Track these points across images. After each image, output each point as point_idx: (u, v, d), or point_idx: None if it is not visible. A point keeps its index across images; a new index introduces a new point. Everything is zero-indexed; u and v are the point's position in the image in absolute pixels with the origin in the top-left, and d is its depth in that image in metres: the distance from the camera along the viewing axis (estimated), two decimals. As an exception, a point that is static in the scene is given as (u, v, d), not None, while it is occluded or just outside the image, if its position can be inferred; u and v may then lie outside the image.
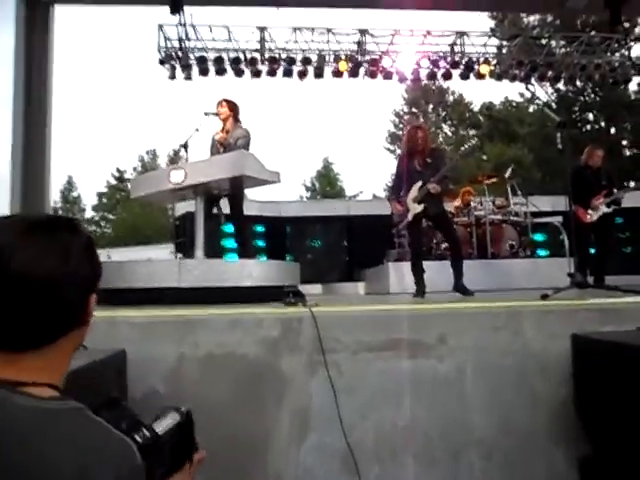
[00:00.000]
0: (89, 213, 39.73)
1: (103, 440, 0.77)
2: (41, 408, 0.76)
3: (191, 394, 2.28)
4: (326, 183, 36.89)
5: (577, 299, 3.05)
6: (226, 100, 5.09)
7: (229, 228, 8.84)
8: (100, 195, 39.10)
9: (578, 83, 17.34)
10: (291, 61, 10.07)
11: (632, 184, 5.95)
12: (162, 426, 1.01)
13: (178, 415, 1.05)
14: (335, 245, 9.92)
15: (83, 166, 60.96)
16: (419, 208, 4.68)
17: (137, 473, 0.77)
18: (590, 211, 5.77)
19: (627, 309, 2.43)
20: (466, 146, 7.08)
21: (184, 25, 9.68)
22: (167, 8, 8.92)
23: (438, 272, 5.19)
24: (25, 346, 0.81)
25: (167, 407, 1.08)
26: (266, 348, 2.32)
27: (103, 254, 19.43)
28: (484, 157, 26.27)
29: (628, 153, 23.89)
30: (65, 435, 0.74)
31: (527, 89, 18.94)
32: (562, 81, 11.78)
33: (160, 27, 9.85)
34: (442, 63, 10.38)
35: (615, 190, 5.87)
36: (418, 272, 4.82)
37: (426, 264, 5.04)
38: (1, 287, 0.77)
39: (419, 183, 4.69)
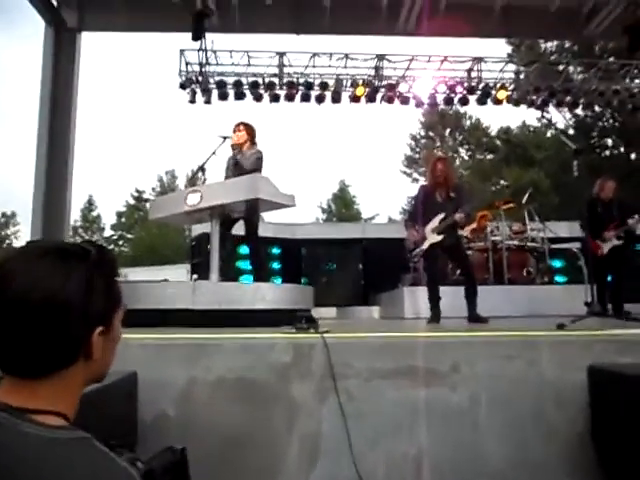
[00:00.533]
0: (108, 232, 40.32)
1: (108, 469, 0.76)
2: (47, 437, 0.76)
3: (201, 418, 2.28)
4: (342, 205, 36.99)
5: (594, 329, 2.99)
6: (244, 123, 5.15)
7: (245, 250, 8.90)
8: (119, 214, 39.69)
9: (597, 108, 17.27)
10: (309, 86, 10.22)
11: (636, 216, 5.90)
12: (157, 462, 1.01)
13: (171, 454, 1.05)
14: (350, 268, 9.88)
15: (103, 186, 62.00)
16: (438, 238, 4.74)
17: None
18: (601, 243, 5.79)
19: (646, 340, 2.38)
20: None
21: (205, 50, 9.92)
22: (189, 35, 9.18)
23: (454, 297, 5.13)
24: (28, 373, 0.81)
25: (162, 449, 1.08)
26: (277, 373, 2.31)
27: (120, 274, 19.64)
28: (502, 182, 26.17)
29: (648, 179, 23.58)
30: (70, 464, 0.74)
31: (543, 117, 18.90)
32: (580, 107, 11.77)
33: (181, 52, 10.09)
34: (459, 88, 10.44)
35: (629, 220, 5.84)
36: (434, 299, 4.82)
37: (442, 290, 5.01)
38: (0, 310, 0.78)
39: (441, 215, 4.74)
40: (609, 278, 6.01)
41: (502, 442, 2.32)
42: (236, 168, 4.94)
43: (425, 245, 4.81)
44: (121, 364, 2.24)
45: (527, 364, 2.37)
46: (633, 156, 23.77)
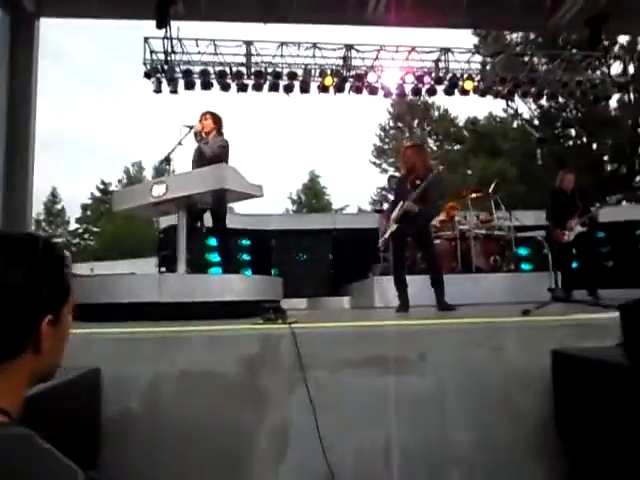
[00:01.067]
0: (73, 225, 39.36)
1: (50, 468, 0.71)
2: None
3: (168, 413, 2.23)
4: (312, 196, 36.98)
5: (558, 314, 3.05)
6: (210, 113, 5.06)
7: (213, 242, 8.79)
8: (84, 207, 38.78)
9: (560, 99, 17.61)
10: (277, 75, 10.11)
11: (608, 199, 6.31)
12: None
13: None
14: (321, 259, 9.88)
15: (68, 178, 60.40)
16: (393, 227, 4.81)
17: None
18: (566, 232, 6.10)
19: (607, 325, 2.43)
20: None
21: (170, 39, 9.69)
22: (153, 22, 8.96)
23: (423, 286, 5.17)
24: None
25: None
26: (244, 366, 2.28)
27: (86, 268, 19.20)
28: (469, 171, 26.55)
29: (609, 168, 24.27)
30: (8, 463, 0.69)
31: (507, 106, 19.25)
32: (545, 97, 11.99)
33: (146, 40, 9.84)
34: (427, 79, 10.49)
35: (592, 209, 6.20)
36: (401, 287, 4.83)
37: (410, 278, 5.04)
38: None
39: (406, 203, 4.72)
40: (574, 265, 6.30)
41: (470, 428, 2.35)
42: (200, 158, 4.86)
43: (386, 234, 4.94)
44: (84, 360, 2.18)
45: (493, 350, 2.40)
46: (595, 146, 24.39)
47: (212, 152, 4.80)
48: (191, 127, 4.87)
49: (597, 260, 6.55)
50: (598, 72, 11.53)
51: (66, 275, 0.89)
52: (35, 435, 0.75)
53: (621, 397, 1.66)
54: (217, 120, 5.04)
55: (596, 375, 1.89)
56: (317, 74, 10.32)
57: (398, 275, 4.92)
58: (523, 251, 8.81)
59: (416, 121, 31.67)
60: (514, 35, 23.11)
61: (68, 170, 58.37)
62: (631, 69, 20.06)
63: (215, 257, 8.64)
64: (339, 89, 10.37)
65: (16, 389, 0.83)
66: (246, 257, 9.27)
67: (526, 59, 10.99)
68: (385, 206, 8.13)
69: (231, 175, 4.12)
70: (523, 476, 2.35)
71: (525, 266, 8.67)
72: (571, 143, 24.94)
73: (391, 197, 8.15)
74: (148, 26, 9.24)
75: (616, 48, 20.30)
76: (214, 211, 4.94)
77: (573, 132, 24.97)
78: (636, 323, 1.62)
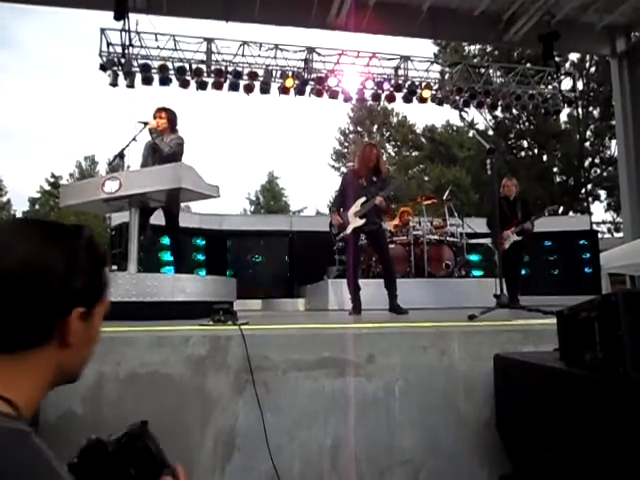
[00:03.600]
0: (20, 220, 37.74)
1: (36, 470, 0.67)
2: None
3: (111, 416, 2.18)
4: (270, 197, 36.80)
5: (501, 320, 3.16)
6: (165, 109, 4.97)
7: (167, 241, 8.63)
8: (32, 201, 37.27)
9: (514, 111, 18.21)
10: (238, 75, 10.04)
11: (546, 210, 6.55)
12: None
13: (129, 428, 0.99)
14: (277, 260, 9.85)
15: (14, 169, 57.96)
16: (360, 222, 4.83)
17: None
18: (504, 239, 6.25)
19: (547, 330, 2.53)
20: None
21: (128, 31, 9.47)
22: (111, 13, 8.74)
23: (377, 289, 5.25)
24: None
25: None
26: (192, 367, 2.26)
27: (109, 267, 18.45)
28: (425, 178, 27.07)
29: (558, 179, 25.26)
30: (2, 456, 0.65)
31: (460, 116, 19.81)
32: (499, 109, 12.37)
33: (102, 31, 9.59)
34: (386, 85, 10.66)
35: (526, 224, 6.36)
36: (354, 289, 4.92)
37: (364, 282, 5.11)
38: None
39: (363, 198, 4.84)
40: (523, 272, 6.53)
41: (415, 431, 2.40)
42: (155, 154, 4.77)
43: (348, 230, 4.91)
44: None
45: (439, 354, 2.46)
46: (545, 158, 25.34)
47: (169, 149, 4.73)
48: (146, 123, 4.77)
49: (519, 269, 6.76)
50: (550, 87, 11.99)
51: (105, 272, 0.85)
52: (31, 434, 0.70)
53: (555, 399, 1.73)
54: (172, 117, 4.96)
55: (532, 379, 1.96)
56: (278, 75, 10.31)
57: (351, 276, 4.99)
58: (474, 257, 9.06)
59: (375, 126, 32.03)
60: (472, 47, 23.74)
61: (15, 161, 56.00)
62: (580, 85, 20.96)
63: (168, 256, 8.50)
64: (300, 91, 10.40)
65: (34, 382, 0.77)
66: (201, 257, 9.15)
67: (482, 71, 11.32)
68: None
69: (188, 174, 4.06)
70: (467, 478, 2.41)
71: (476, 272, 8.91)
72: (523, 154, 25.83)
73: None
74: (106, 17, 9.01)
75: (567, 65, 21.20)
76: (167, 210, 4.85)
77: (525, 143, 25.87)
78: (570, 329, 1.70)
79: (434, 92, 10.93)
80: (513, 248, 6.32)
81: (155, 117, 4.88)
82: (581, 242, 9.81)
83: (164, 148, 4.73)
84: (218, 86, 10.11)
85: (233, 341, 2.29)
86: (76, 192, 4.53)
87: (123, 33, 9.48)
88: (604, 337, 1.45)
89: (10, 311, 0.72)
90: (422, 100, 10.82)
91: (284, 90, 10.32)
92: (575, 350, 1.63)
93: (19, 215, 37.12)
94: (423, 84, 10.80)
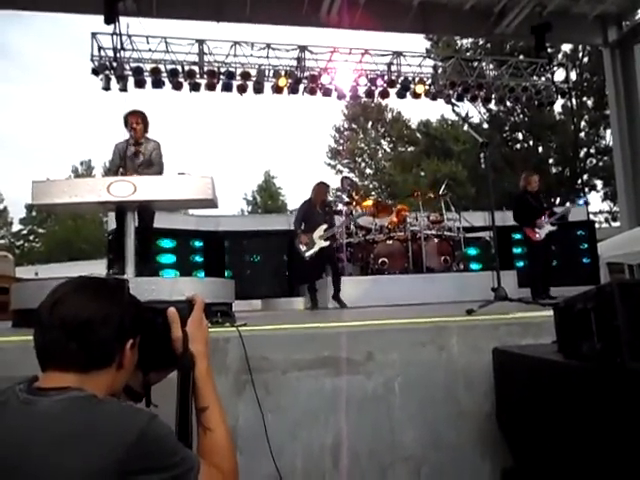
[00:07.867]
0: (17, 226, 37.71)
1: (126, 412, 1.00)
2: (70, 397, 0.98)
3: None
4: (267, 197, 36.77)
5: (500, 313, 3.16)
6: (139, 113, 4.91)
7: (166, 243, 8.62)
8: (29, 207, 37.15)
9: (508, 104, 18.22)
10: (230, 75, 10.03)
11: (568, 204, 6.91)
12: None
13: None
14: (275, 260, 9.83)
15: (10, 176, 57.79)
16: (325, 244, 6.35)
17: (147, 438, 0.96)
18: (538, 230, 6.42)
19: (545, 322, 2.53)
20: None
21: (119, 35, 9.45)
22: (102, 17, 8.71)
23: (372, 286, 5.28)
24: (72, 366, 1.03)
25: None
26: (191, 370, 2.25)
27: (31, 271, 18.43)
28: (422, 173, 27.08)
29: (554, 171, 25.28)
30: (93, 415, 0.96)
31: (453, 111, 19.84)
32: (493, 102, 12.38)
33: (93, 35, 9.56)
34: (379, 82, 10.66)
35: (558, 209, 6.76)
36: (313, 291, 6.49)
37: (361, 279, 5.15)
38: (50, 325, 1.04)
39: (324, 225, 6.37)
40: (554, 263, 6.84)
41: (416, 427, 2.40)
42: (137, 159, 4.78)
43: (316, 248, 6.31)
44: (23, 368, 2.09)
45: (438, 349, 2.46)
46: (540, 149, 25.36)
47: (156, 155, 4.80)
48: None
49: (552, 260, 7.01)
50: (543, 78, 12.00)
51: (141, 310, 1.18)
52: (97, 397, 1.02)
53: (554, 391, 1.73)
54: (146, 120, 4.94)
55: (532, 372, 1.96)
56: (271, 74, 10.30)
57: (312, 282, 6.62)
58: (472, 251, 9.06)
59: (370, 123, 32.02)
60: (464, 41, 23.73)
61: (12, 169, 55.84)
62: (573, 76, 20.93)
63: (167, 259, 8.51)
64: (293, 90, 10.39)
65: (99, 393, 1.04)
66: (199, 259, 9.13)
67: (475, 64, 11.32)
68: (340, 207, 8.21)
69: (212, 187, 4.03)
70: (469, 472, 2.41)
71: (474, 266, 8.92)
72: (518, 146, 25.84)
73: (345, 198, 8.31)
74: (97, 21, 8.97)
75: (560, 56, 21.19)
76: (142, 210, 4.68)
77: (520, 136, 25.87)
78: (567, 321, 1.70)
79: (427, 87, 10.93)
80: (546, 239, 6.48)
81: (132, 125, 4.83)
82: (579, 232, 9.82)
83: (152, 155, 4.83)
84: (211, 87, 10.10)
85: (231, 342, 2.28)
86: (63, 191, 4.31)
87: (114, 37, 9.46)
88: (601, 328, 1.45)
89: (89, 344, 1.04)
90: (416, 95, 10.83)
91: (277, 89, 10.31)
92: (572, 342, 1.63)
93: (17, 219, 37.08)
94: (416, 79, 10.81)
